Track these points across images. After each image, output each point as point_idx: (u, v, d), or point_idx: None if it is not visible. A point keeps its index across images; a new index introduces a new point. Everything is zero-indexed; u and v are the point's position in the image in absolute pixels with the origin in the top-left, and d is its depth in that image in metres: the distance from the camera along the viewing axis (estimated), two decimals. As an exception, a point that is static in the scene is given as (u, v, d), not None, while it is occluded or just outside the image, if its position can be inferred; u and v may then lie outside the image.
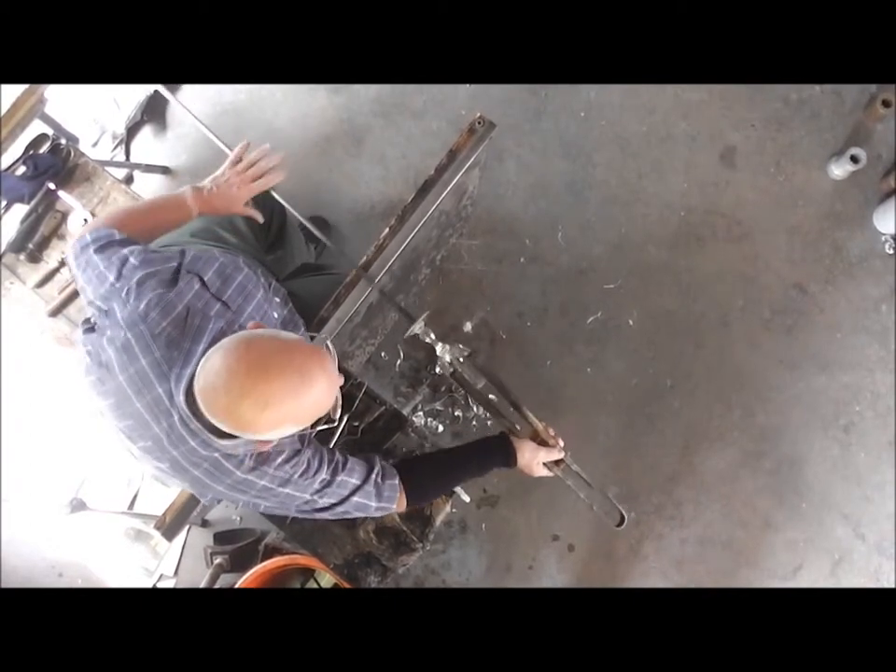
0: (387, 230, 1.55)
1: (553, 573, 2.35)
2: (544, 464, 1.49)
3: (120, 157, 2.66)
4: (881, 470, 2.29)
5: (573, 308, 2.43)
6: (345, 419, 1.65)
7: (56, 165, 1.92)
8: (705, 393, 2.36)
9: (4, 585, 2.39)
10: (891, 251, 2.36)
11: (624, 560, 2.32)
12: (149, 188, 2.60)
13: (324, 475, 1.23)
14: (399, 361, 2.43)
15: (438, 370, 1.52)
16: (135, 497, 2.46)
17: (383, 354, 2.44)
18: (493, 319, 2.44)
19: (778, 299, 2.38)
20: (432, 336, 1.49)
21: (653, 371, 2.38)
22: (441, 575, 2.39)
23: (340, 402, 1.11)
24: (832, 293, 2.37)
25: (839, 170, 2.36)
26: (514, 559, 2.37)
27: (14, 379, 2.51)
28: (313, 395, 0.99)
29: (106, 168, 1.98)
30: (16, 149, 1.96)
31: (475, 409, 2.38)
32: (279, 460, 1.17)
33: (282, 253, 2.14)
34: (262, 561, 2.10)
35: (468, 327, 2.43)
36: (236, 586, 2.08)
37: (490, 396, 1.61)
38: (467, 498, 1.75)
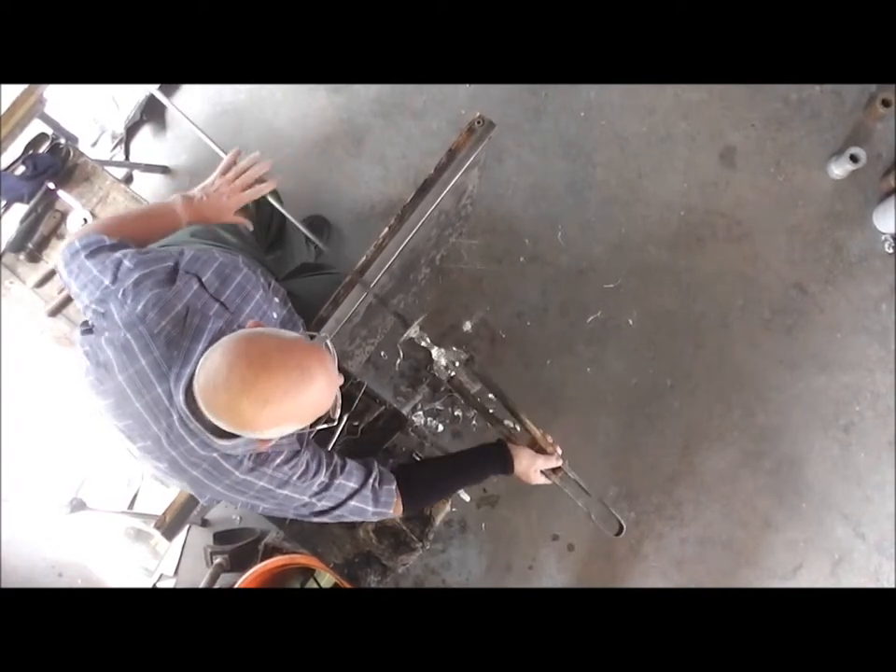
0: (387, 229, 1.55)
1: (553, 573, 2.35)
2: (542, 471, 1.49)
3: (120, 157, 2.66)
4: (881, 470, 2.29)
5: (573, 308, 2.43)
6: (345, 419, 1.65)
7: (55, 165, 1.92)
8: (705, 393, 2.36)
9: (4, 585, 2.39)
10: (891, 250, 2.36)
11: (624, 560, 2.32)
12: (149, 187, 2.60)
13: (322, 478, 1.23)
14: (398, 361, 2.43)
15: (436, 374, 1.52)
16: (135, 496, 2.46)
17: (382, 353, 2.44)
18: (493, 319, 2.44)
19: (778, 299, 2.38)
20: (427, 340, 1.49)
21: (653, 370, 2.38)
22: (441, 575, 2.39)
23: (339, 402, 1.12)
24: (832, 293, 2.37)
25: (839, 169, 2.36)
26: (514, 559, 2.37)
27: (14, 379, 2.51)
28: (313, 393, 0.99)
29: (106, 168, 1.98)
30: (15, 149, 1.96)
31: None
32: (278, 461, 1.17)
33: (281, 253, 2.14)
34: (262, 560, 2.10)
35: (467, 326, 2.43)
36: (236, 586, 2.08)
37: (488, 400, 1.61)
38: (467, 498, 1.75)
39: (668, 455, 2.35)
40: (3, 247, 1.93)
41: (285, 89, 2.62)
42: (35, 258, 1.93)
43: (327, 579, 2.20)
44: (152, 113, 2.65)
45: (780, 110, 2.46)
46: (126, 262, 1.19)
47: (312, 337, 1.21)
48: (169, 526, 1.63)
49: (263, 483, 1.17)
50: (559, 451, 1.51)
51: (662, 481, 2.34)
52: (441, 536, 2.37)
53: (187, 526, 2.37)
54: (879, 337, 2.34)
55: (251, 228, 1.52)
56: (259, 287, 1.31)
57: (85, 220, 1.89)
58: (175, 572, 2.47)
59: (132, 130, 2.66)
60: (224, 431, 1.01)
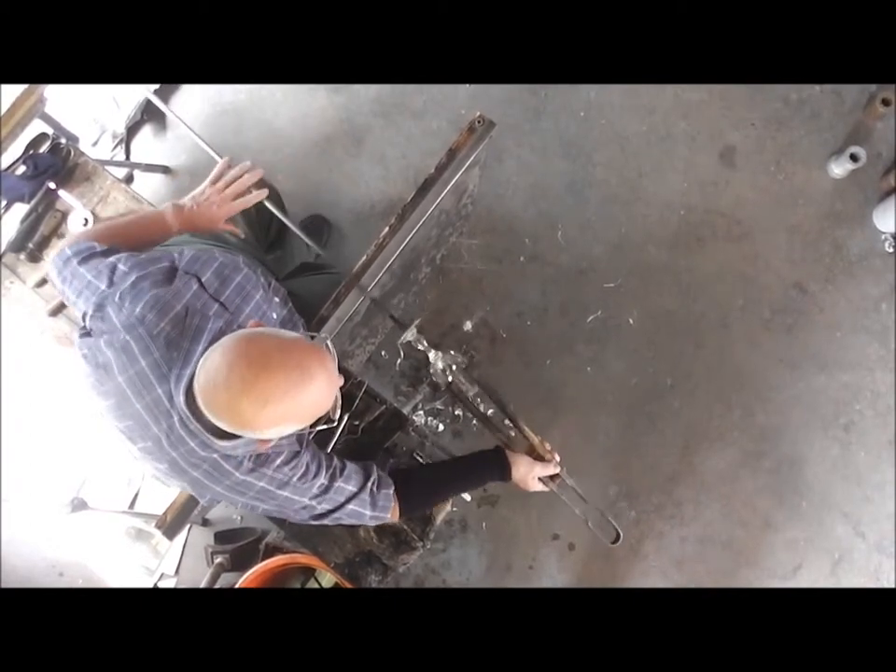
0: (387, 229, 1.55)
1: (553, 573, 2.35)
2: (539, 479, 1.48)
3: (120, 156, 2.66)
4: (881, 470, 2.29)
5: (573, 308, 2.43)
6: (346, 418, 1.65)
7: (56, 165, 1.92)
8: (705, 393, 2.37)
9: (4, 585, 2.39)
10: (891, 250, 2.36)
11: (624, 560, 2.32)
12: (149, 187, 2.60)
13: (322, 479, 1.23)
14: (399, 360, 2.43)
15: (433, 377, 1.52)
16: (136, 496, 2.46)
17: (383, 352, 2.44)
18: (493, 319, 2.44)
19: (778, 298, 2.38)
20: (425, 343, 1.49)
21: (653, 370, 2.38)
22: (442, 574, 2.39)
23: (339, 402, 1.12)
24: (832, 292, 2.37)
25: (839, 169, 2.36)
26: (514, 559, 2.37)
27: (14, 379, 2.51)
28: (313, 393, 0.99)
29: (106, 167, 1.98)
30: (16, 149, 1.96)
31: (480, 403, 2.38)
32: (278, 461, 1.17)
33: (281, 253, 2.14)
34: (263, 560, 2.10)
35: (468, 326, 2.43)
36: (237, 585, 2.08)
37: (487, 405, 1.61)
38: (468, 497, 1.75)
39: (668, 454, 2.35)
40: (3, 247, 1.93)
41: (285, 89, 2.62)
42: (35, 258, 1.93)
43: (327, 578, 2.20)
44: (153, 113, 2.65)
45: (780, 110, 2.46)
46: (121, 266, 1.19)
47: (312, 337, 1.21)
48: (170, 526, 1.63)
49: (263, 483, 1.17)
50: (557, 458, 1.50)
51: (662, 481, 2.34)
52: (442, 535, 2.37)
53: (188, 526, 2.37)
54: (879, 336, 2.34)
55: (242, 236, 1.52)
56: (259, 286, 1.31)
57: (86, 220, 1.89)
58: (176, 572, 2.47)
59: (132, 130, 2.66)
60: (224, 432, 1.00)
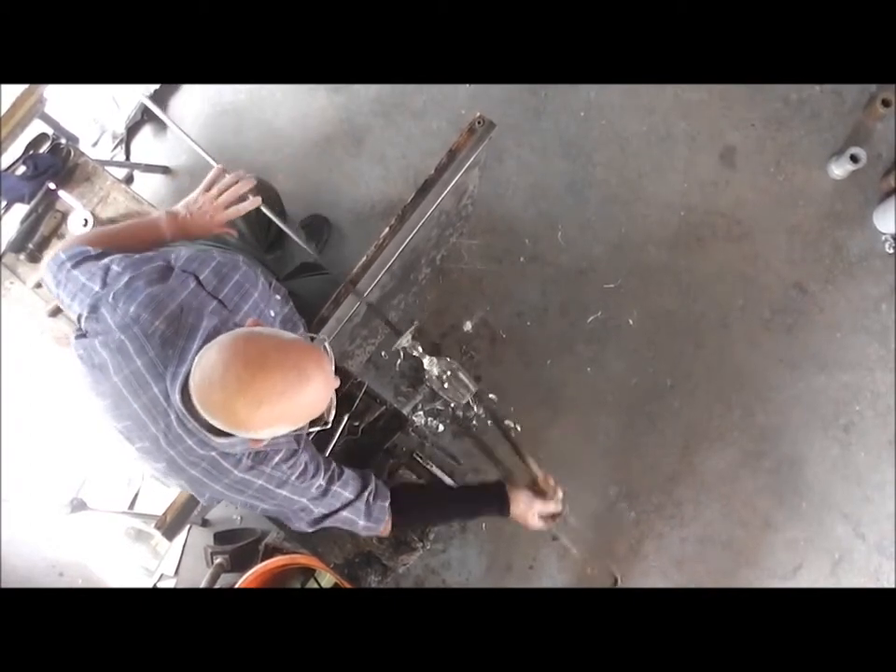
0: (387, 229, 1.55)
1: (553, 573, 2.35)
2: (540, 517, 1.44)
3: (120, 157, 2.66)
4: (881, 470, 2.29)
5: (573, 308, 2.43)
6: (345, 419, 1.65)
7: (56, 165, 1.92)
8: (705, 393, 2.36)
9: (4, 585, 2.39)
10: (891, 250, 2.36)
11: (624, 560, 2.32)
12: (149, 187, 2.60)
13: (321, 481, 1.23)
14: (399, 361, 2.43)
15: (428, 383, 1.52)
16: (136, 496, 2.45)
17: (383, 353, 2.44)
18: (493, 319, 2.44)
19: (778, 298, 2.38)
20: (419, 349, 1.49)
21: (653, 370, 2.38)
22: (442, 575, 2.39)
23: (334, 404, 1.11)
24: (832, 293, 2.37)
25: (839, 169, 2.36)
26: (514, 559, 2.37)
27: (14, 379, 2.51)
28: (309, 395, 0.98)
29: (106, 168, 1.98)
30: (16, 149, 1.96)
31: (475, 409, 2.38)
32: (276, 459, 1.17)
33: (282, 253, 2.14)
34: (263, 560, 2.10)
35: (468, 326, 2.43)
36: (236, 586, 2.08)
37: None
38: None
39: (668, 455, 2.35)
40: (3, 248, 1.93)
41: (285, 89, 2.62)
42: (35, 258, 1.93)
43: (327, 579, 2.20)
44: (153, 113, 2.65)
45: (780, 110, 2.46)
46: (114, 267, 1.19)
47: (312, 338, 1.21)
48: (169, 526, 1.63)
49: (262, 482, 1.17)
50: (560, 494, 1.46)
51: (662, 481, 2.34)
52: (442, 536, 2.37)
53: (187, 526, 2.37)
54: (879, 336, 2.34)
55: (235, 235, 1.52)
56: (259, 285, 1.30)
57: (85, 221, 1.89)
58: (176, 572, 2.47)
59: (132, 130, 2.66)
60: (221, 430, 1.00)
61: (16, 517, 2.53)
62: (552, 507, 1.44)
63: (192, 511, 1.66)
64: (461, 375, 1.50)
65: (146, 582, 2.45)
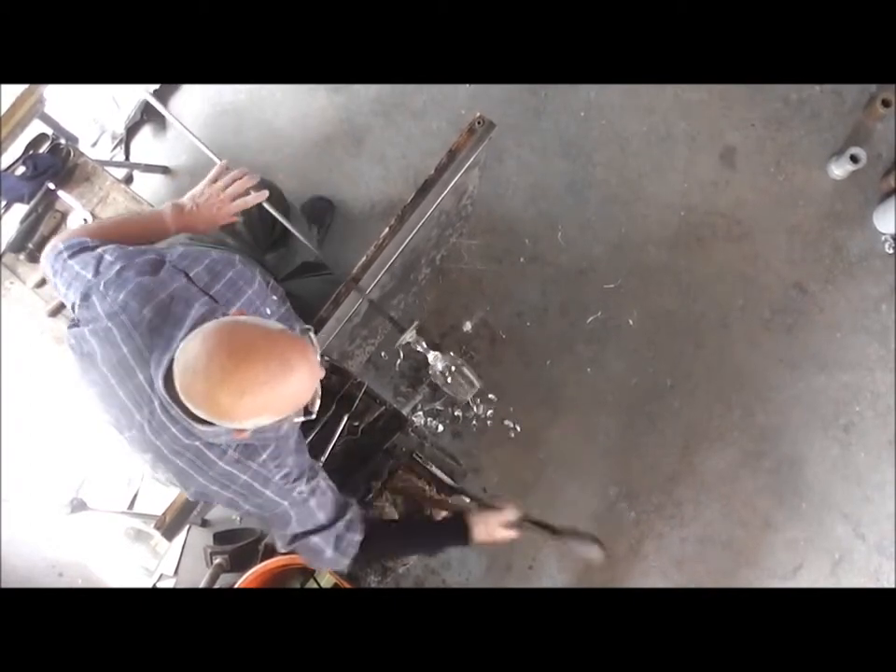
0: (387, 229, 1.55)
1: (553, 573, 2.35)
2: (507, 526, 1.46)
3: (120, 157, 2.66)
4: (881, 470, 2.29)
5: (573, 308, 2.43)
6: (345, 418, 1.65)
7: (56, 165, 1.92)
8: (705, 393, 2.36)
9: (4, 585, 2.39)
10: (891, 250, 2.36)
11: (624, 560, 2.32)
12: (149, 188, 2.60)
13: (302, 487, 1.21)
14: (398, 361, 2.43)
15: (432, 378, 1.53)
16: (135, 496, 2.45)
17: (383, 353, 2.44)
18: (493, 319, 2.44)
19: (778, 298, 2.38)
20: (423, 345, 1.49)
21: (653, 370, 2.38)
22: (441, 575, 2.39)
23: (319, 394, 1.11)
24: (832, 293, 2.37)
25: (839, 169, 2.36)
26: (514, 559, 2.37)
27: (14, 379, 2.50)
28: (292, 385, 0.97)
29: (106, 168, 1.98)
30: (16, 149, 1.96)
31: (475, 409, 2.38)
32: (264, 456, 1.15)
33: (285, 250, 2.14)
34: (262, 560, 2.10)
35: (467, 326, 2.43)
36: (236, 586, 2.08)
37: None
38: (467, 500, 1.75)
39: (668, 455, 2.35)
40: (3, 248, 1.92)
41: (285, 89, 2.62)
42: (35, 258, 1.92)
43: (327, 579, 2.20)
44: (152, 113, 2.65)
45: (780, 110, 2.46)
46: (107, 257, 1.19)
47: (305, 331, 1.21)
48: (169, 527, 1.63)
49: (247, 477, 1.15)
50: (509, 503, 1.49)
51: (662, 481, 2.34)
52: (442, 536, 2.37)
53: (187, 527, 2.37)
54: (879, 336, 2.34)
55: (240, 222, 1.51)
56: (255, 283, 1.29)
57: (85, 221, 1.89)
58: (175, 572, 2.46)
59: (132, 130, 2.66)
60: (204, 419, 1.00)
61: (16, 517, 2.53)
62: (508, 514, 1.46)
63: (192, 512, 1.66)
64: (466, 371, 1.51)
65: (145, 582, 2.45)
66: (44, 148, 1.96)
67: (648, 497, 2.34)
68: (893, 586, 2.24)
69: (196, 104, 2.64)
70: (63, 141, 1.97)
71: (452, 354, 1.50)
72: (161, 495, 2.38)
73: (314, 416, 1.11)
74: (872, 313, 2.35)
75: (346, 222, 2.51)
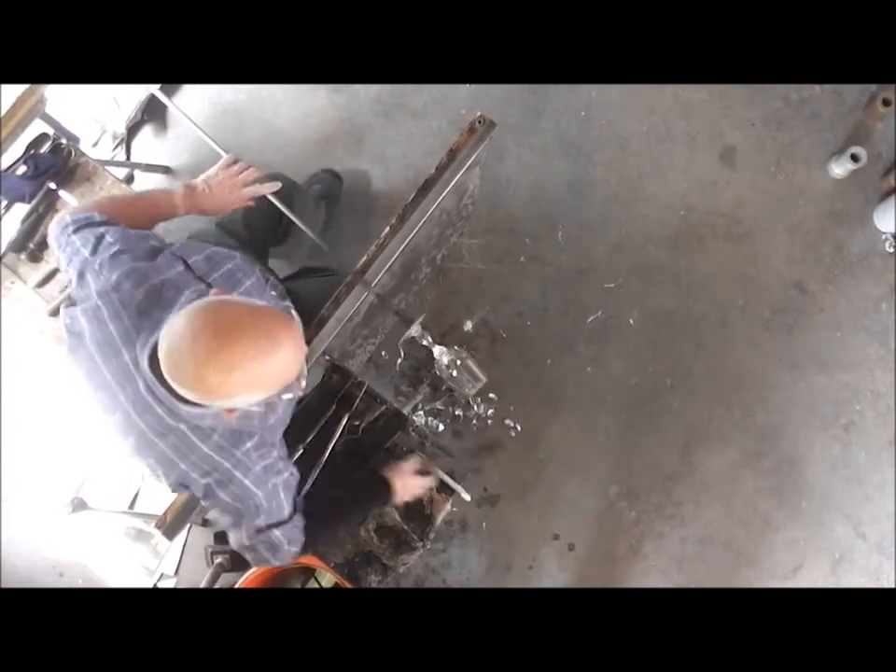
0: (388, 229, 1.55)
1: (553, 572, 2.35)
2: (420, 474, 1.54)
3: (121, 157, 2.66)
4: (881, 470, 2.29)
5: (573, 308, 2.43)
6: (345, 418, 1.65)
7: (57, 165, 1.92)
8: (705, 393, 2.36)
9: (4, 585, 2.39)
10: (892, 250, 2.36)
11: (624, 559, 2.32)
12: (150, 187, 2.60)
13: (277, 479, 1.21)
14: (399, 360, 2.43)
15: (437, 372, 1.53)
16: (136, 496, 2.46)
17: (383, 353, 2.44)
18: (493, 318, 2.44)
19: (778, 298, 2.38)
20: (429, 339, 1.50)
21: (653, 370, 2.38)
22: (442, 574, 2.39)
23: (306, 372, 1.11)
24: (832, 292, 2.37)
25: (839, 169, 2.36)
26: (514, 558, 2.37)
27: (14, 379, 2.51)
28: (280, 360, 0.98)
29: (107, 168, 1.98)
30: (16, 149, 1.96)
31: (475, 408, 2.38)
32: (248, 445, 1.16)
33: (294, 240, 2.14)
34: (263, 560, 2.10)
35: (468, 326, 2.43)
36: (236, 586, 2.08)
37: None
38: (467, 497, 1.75)
39: (668, 454, 2.35)
40: (4, 247, 1.93)
41: (285, 89, 2.62)
42: (36, 258, 1.93)
43: (327, 578, 2.20)
44: (153, 113, 2.65)
45: (780, 110, 2.46)
46: (108, 237, 1.20)
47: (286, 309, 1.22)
48: (170, 526, 1.63)
49: (229, 465, 1.15)
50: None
51: (662, 480, 2.34)
52: (442, 535, 2.37)
53: (187, 526, 2.37)
54: (879, 336, 2.34)
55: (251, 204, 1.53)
56: (253, 277, 1.30)
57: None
58: (176, 572, 2.47)
59: (133, 130, 2.66)
60: (190, 399, 1.00)
61: (16, 517, 2.53)
62: (417, 464, 1.55)
63: (192, 511, 1.66)
64: (471, 365, 1.51)
65: (146, 582, 2.45)
66: (45, 148, 1.96)
67: (648, 497, 2.34)
68: (893, 586, 2.24)
69: (196, 104, 2.64)
70: (63, 141, 1.97)
71: (457, 348, 1.50)
72: (162, 494, 2.39)
73: (301, 393, 1.11)
74: (872, 312, 2.35)
75: (347, 222, 2.51)
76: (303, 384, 1.11)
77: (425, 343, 1.49)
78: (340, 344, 1.69)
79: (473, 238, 2.47)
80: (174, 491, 1.24)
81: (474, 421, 2.39)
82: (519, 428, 2.37)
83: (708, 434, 2.35)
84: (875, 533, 2.27)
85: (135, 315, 1.09)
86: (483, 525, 2.38)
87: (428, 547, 1.74)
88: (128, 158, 2.67)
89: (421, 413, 2.40)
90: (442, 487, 1.67)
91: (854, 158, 2.29)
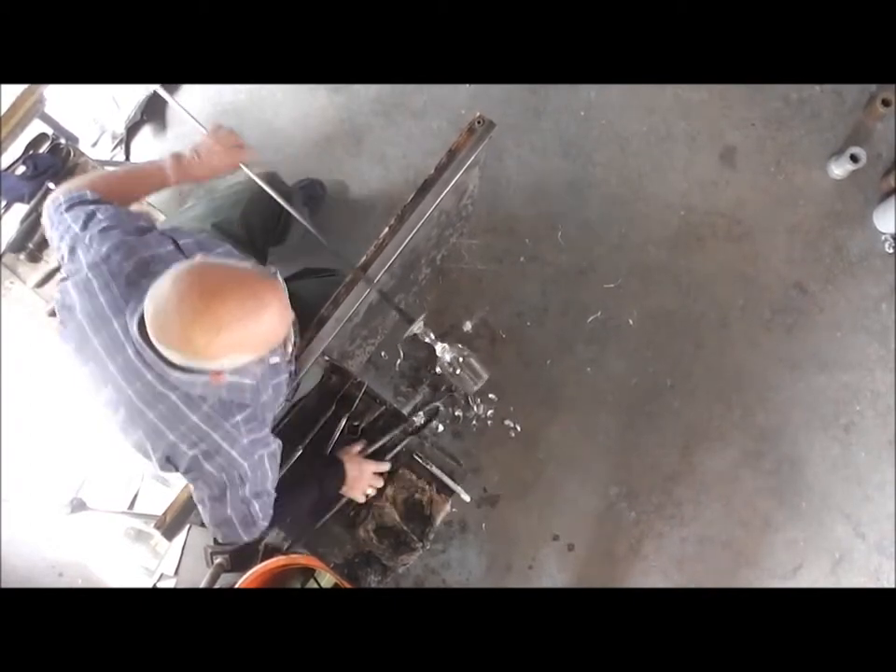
0: (387, 229, 1.54)
1: (553, 573, 2.35)
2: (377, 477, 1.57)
3: (120, 156, 2.66)
4: (881, 470, 2.29)
5: (573, 308, 2.43)
6: (345, 418, 1.65)
7: (56, 165, 1.92)
8: (705, 393, 2.36)
9: (4, 585, 2.39)
10: (891, 250, 2.36)
11: (624, 559, 2.32)
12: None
13: (264, 451, 1.22)
14: (399, 361, 2.43)
15: (438, 369, 1.53)
16: (136, 496, 2.45)
17: (383, 353, 2.44)
18: (493, 319, 2.44)
19: (778, 298, 2.38)
20: (431, 336, 1.49)
21: (653, 370, 2.38)
22: (441, 575, 2.39)
23: (293, 337, 1.12)
24: (832, 292, 2.37)
25: (839, 169, 2.36)
26: (514, 559, 2.37)
27: (14, 379, 2.51)
28: (266, 321, 0.99)
29: (106, 168, 1.98)
30: (16, 149, 1.96)
31: (475, 408, 2.38)
32: (238, 418, 1.16)
33: (290, 238, 2.14)
34: (263, 560, 2.10)
35: (467, 326, 2.43)
36: (236, 586, 2.08)
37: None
38: (467, 498, 1.74)
39: (668, 454, 2.35)
40: (3, 247, 1.93)
41: (285, 89, 2.62)
42: (35, 258, 1.93)
43: (327, 579, 2.20)
44: (153, 113, 2.65)
45: (780, 110, 2.46)
46: (99, 214, 1.21)
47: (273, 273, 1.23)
48: (169, 526, 1.63)
49: (217, 436, 1.15)
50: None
51: (662, 481, 2.34)
52: (442, 536, 2.37)
53: (187, 526, 2.37)
54: (879, 336, 2.34)
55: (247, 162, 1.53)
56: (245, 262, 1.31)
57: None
58: (176, 572, 2.47)
59: (132, 130, 2.66)
60: (178, 364, 1.00)
61: (16, 517, 2.53)
62: (382, 466, 1.59)
63: (192, 511, 1.66)
64: (474, 362, 1.51)
65: (146, 582, 2.45)
66: (44, 148, 1.96)
67: (648, 497, 2.34)
68: (893, 586, 2.24)
69: (196, 104, 2.64)
70: (63, 141, 1.97)
71: (459, 345, 1.50)
72: (162, 495, 2.39)
73: (289, 358, 1.11)
74: (872, 312, 2.35)
75: (346, 222, 2.51)
76: (290, 349, 1.11)
77: (427, 340, 1.49)
78: (339, 345, 1.69)
79: (473, 238, 2.47)
80: (161, 469, 1.23)
81: (474, 421, 2.39)
82: (519, 429, 2.37)
83: (708, 434, 2.35)
84: (874, 533, 2.27)
85: (124, 285, 1.11)
86: (483, 525, 2.38)
87: (428, 547, 1.74)
88: (127, 158, 2.66)
89: (421, 413, 2.39)
90: (442, 488, 1.67)
91: (854, 158, 2.29)
